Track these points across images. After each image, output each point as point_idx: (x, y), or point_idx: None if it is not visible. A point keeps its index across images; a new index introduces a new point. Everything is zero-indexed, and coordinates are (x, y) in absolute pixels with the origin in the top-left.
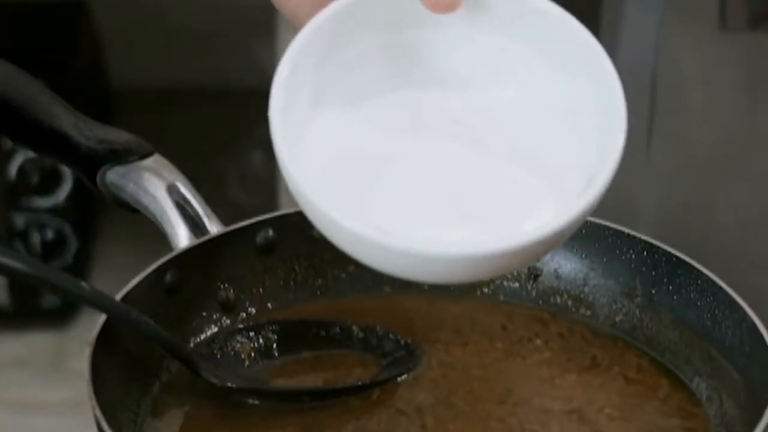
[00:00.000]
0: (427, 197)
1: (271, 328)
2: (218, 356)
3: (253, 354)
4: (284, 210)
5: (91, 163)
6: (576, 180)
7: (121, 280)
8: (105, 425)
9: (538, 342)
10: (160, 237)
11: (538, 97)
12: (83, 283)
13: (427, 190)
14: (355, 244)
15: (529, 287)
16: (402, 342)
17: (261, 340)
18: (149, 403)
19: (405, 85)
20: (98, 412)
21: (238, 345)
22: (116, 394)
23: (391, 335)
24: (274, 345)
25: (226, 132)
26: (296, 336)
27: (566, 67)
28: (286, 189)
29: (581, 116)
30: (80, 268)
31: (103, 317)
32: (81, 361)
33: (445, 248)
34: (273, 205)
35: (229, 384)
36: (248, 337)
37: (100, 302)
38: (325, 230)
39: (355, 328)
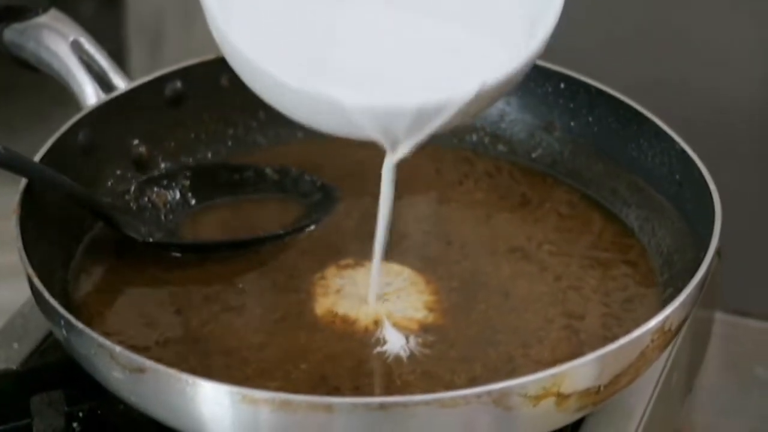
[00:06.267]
0: (371, 59)
1: (184, 174)
2: (134, 208)
3: (169, 205)
4: (191, 61)
5: None
6: (520, 29)
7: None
8: (45, 292)
9: (470, 184)
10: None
11: None
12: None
13: (369, 53)
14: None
15: None
16: (318, 183)
17: (176, 188)
18: (75, 265)
19: None
20: (36, 280)
21: (154, 195)
22: (44, 258)
23: (306, 176)
24: (189, 193)
25: None
26: (210, 182)
27: None
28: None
29: None
30: None
31: (23, 181)
32: None
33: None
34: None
35: (150, 239)
36: (163, 186)
37: (20, 165)
38: (255, 84)
39: (268, 170)
